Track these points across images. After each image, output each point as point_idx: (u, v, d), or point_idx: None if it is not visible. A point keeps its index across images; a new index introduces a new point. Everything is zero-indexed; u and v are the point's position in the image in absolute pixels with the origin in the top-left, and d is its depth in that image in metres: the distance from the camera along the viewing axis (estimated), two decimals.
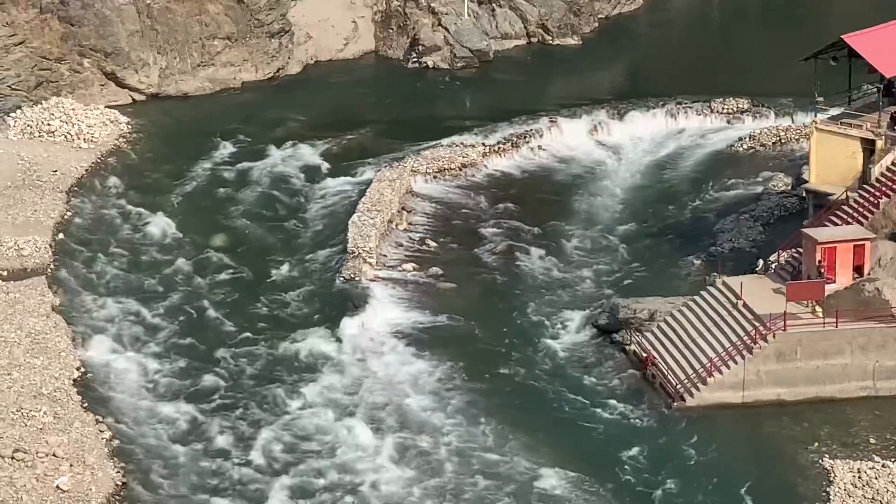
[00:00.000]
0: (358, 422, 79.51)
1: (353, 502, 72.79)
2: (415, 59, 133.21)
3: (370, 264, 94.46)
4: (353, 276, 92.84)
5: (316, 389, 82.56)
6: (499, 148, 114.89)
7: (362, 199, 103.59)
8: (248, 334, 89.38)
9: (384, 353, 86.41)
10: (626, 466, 77.00)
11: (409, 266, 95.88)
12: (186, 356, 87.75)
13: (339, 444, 77.65)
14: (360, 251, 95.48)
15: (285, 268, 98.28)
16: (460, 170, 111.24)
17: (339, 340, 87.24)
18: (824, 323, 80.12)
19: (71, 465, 76.38)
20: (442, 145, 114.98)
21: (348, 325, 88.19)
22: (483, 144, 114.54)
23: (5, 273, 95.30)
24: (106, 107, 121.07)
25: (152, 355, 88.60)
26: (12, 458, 75.96)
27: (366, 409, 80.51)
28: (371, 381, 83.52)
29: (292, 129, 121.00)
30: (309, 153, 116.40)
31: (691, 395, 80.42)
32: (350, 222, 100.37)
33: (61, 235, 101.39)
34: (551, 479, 75.68)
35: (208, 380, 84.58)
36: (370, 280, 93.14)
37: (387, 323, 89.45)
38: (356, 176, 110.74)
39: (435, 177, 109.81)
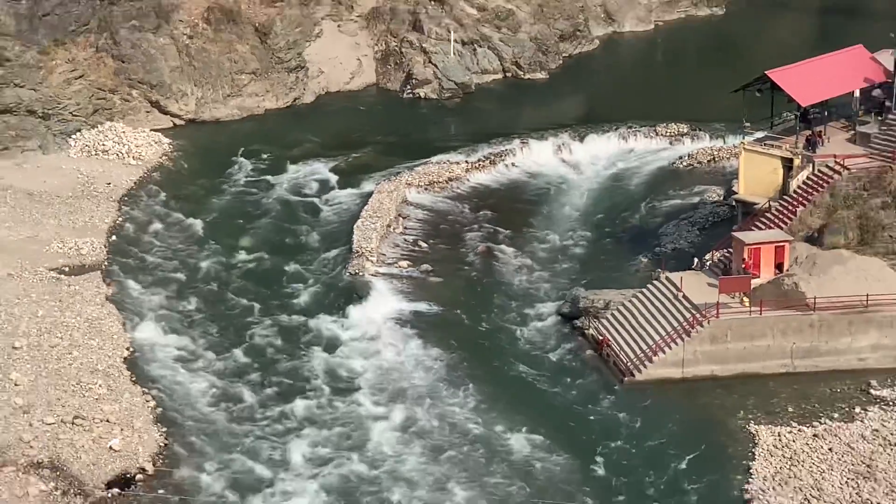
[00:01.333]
0: (363, 392, 79.85)
1: (357, 458, 73.07)
2: (409, 91, 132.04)
3: (371, 262, 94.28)
4: (357, 271, 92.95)
5: (328, 365, 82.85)
6: (479, 164, 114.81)
7: (365, 207, 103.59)
8: (270, 319, 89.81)
9: (384, 335, 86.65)
10: (583, 431, 77.44)
11: (405, 263, 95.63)
12: (219, 337, 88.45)
13: (347, 410, 77.98)
14: (364, 251, 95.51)
15: (301, 264, 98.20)
16: (447, 183, 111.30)
17: (346, 325, 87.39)
18: (750, 311, 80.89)
19: (122, 430, 77.70)
20: (432, 162, 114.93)
21: (354, 312, 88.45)
22: (466, 161, 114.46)
23: (67, 269, 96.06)
24: (151, 130, 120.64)
25: (190, 336, 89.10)
26: (73, 423, 77.22)
27: (369, 382, 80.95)
28: (373, 358, 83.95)
29: (307, 148, 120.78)
30: (321, 169, 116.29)
31: (639, 371, 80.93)
32: (355, 226, 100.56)
33: (114, 237, 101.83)
34: (521, 441, 76.88)
35: (237, 356, 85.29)
36: (372, 275, 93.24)
37: (386, 311, 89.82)
38: (360, 188, 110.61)
39: (426, 189, 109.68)
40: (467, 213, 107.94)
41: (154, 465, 74.89)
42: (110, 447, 75.85)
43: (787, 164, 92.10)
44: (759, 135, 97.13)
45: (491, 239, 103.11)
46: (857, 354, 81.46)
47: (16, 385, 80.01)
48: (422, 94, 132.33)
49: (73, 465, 73.72)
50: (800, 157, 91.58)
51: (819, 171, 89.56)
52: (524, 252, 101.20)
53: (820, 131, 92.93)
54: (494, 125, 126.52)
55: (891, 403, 77.28)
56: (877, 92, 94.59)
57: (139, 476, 74.09)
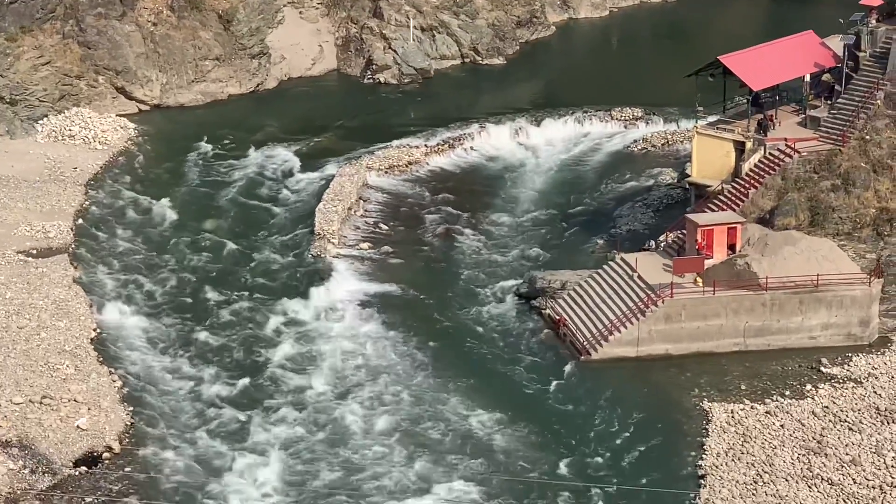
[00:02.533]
0: (325, 373, 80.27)
1: (319, 437, 73.25)
2: (369, 76, 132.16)
3: (333, 244, 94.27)
4: (319, 253, 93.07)
5: (290, 346, 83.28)
6: (438, 148, 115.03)
7: (326, 190, 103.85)
8: (234, 299, 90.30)
9: (345, 315, 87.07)
10: (540, 408, 77.88)
11: (365, 245, 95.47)
12: (183, 317, 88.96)
13: (309, 391, 78.27)
14: (325, 233, 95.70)
15: (264, 247, 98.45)
16: (407, 166, 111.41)
17: (308, 305, 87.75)
18: (704, 291, 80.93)
19: (89, 409, 77.88)
20: (392, 146, 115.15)
21: (316, 293, 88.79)
22: (426, 145, 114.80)
23: (35, 251, 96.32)
24: (117, 115, 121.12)
25: (155, 317, 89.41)
26: (41, 402, 77.30)
27: (331, 363, 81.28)
28: (335, 339, 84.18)
29: (270, 133, 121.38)
30: (284, 153, 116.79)
31: (595, 350, 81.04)
32: (317, 209, 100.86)
33: (81, 220, 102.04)
34: (480, 418, 77.09)
35: (201, 337, 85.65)
36: (333, 256, 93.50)
37: (347, 291, 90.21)
38: (322, 171, 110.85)
39: (386, 172, 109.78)
40: (427, 196, 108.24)
41: (121, 443, 74.87)
42: (77, 426, 75.76)
43: (739, 148, 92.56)
44: (712, 119, 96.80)
45: (449, 221, 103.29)
46: (808, 333, 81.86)
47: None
48: (382, 80, 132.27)
49: (41, 444, 73.72)
50: (751, 140, 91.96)
51: (770, 154, 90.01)
52: (482, 233, 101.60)
53: (771, 115, 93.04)
54: (453, 110, 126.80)
55: (841, 381, 78.02)
56: (826, 76, 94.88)
57: (106, 454, 74.17)
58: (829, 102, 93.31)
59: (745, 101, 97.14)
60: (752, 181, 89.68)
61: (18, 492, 71.38)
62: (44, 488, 71.17)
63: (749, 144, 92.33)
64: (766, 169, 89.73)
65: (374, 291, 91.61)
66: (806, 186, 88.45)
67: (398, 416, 75.81)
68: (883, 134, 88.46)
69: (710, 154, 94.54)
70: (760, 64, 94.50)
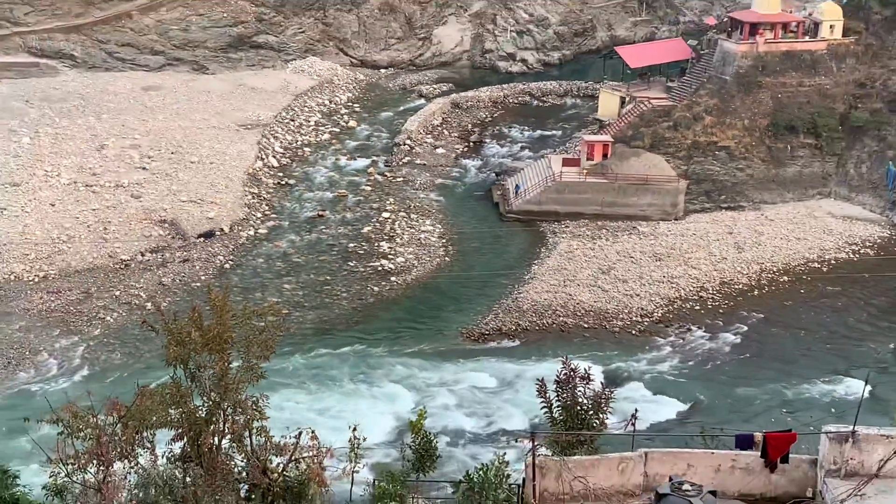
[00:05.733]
0: None
1: None
2: (481, 55, 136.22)
3: None
4: None
5: None
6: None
7: None
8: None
9: None
10: (475, 231, 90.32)
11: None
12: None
13: None
14: None
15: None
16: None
17: None
18: (583, 177, 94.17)
19: (218, 207, 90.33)
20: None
21: None
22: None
23: (246, 125, 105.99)
24: (333, 63, 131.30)
25: (288, 166, 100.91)
26: (193, 202, 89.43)
27: None
28: None
29: (417, 79, 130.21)
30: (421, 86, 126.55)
31: (515, 205, 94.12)
32: None
33: (282, 112, 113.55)
34: (438, 230, 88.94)
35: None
36: None
37: None
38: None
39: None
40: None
41: (230, 229, 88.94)
42: (207, 217, 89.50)
43: (622, 100, 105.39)
44: (613, 83, 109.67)
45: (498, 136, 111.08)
46: (639, 208, 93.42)
47: (181, 181, 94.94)
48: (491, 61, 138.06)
49: (183, 224, 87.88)
50: (628, 96, 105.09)
51: (636, 105, 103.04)
52: (507, 140, 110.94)
53: (648, 83, 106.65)
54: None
55: (643, 236, 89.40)
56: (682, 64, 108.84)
57: (218, 232, 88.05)
58: (680, 79, 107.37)
59: (637, 76, 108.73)
60: (624, 119, 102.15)
61: (163, 245, 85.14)
62: (177, 246, 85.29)
63: (626, 98, 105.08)
64: (632, 113, 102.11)
65: None
66: (652, 125, 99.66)
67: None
68: (702, 99, 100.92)
69: (607, 103, 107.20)
70: (640, 54, 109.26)
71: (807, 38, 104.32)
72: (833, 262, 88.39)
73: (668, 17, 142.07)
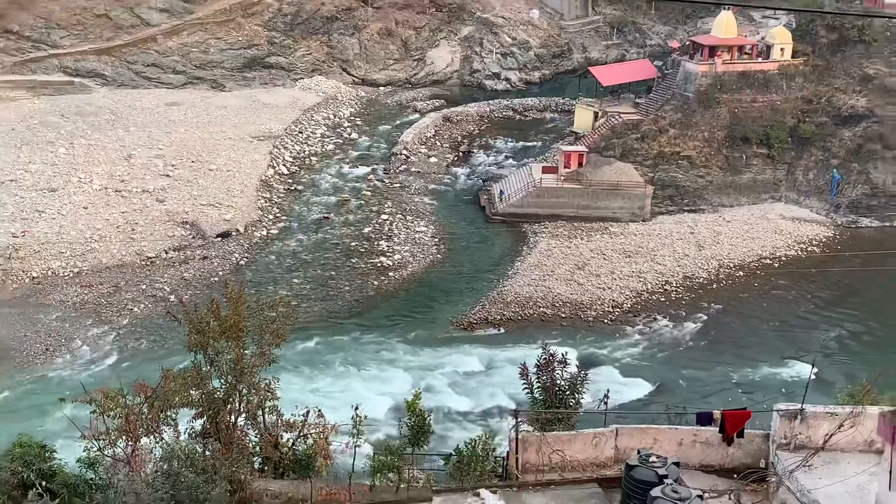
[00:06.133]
0: None
1: None
2: (469, 75, 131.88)
3: None
4: None
5: None
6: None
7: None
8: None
9: None
10: (462, 232, 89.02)
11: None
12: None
13: None
14: None
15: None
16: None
17: None
18: (560, 183, 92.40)
19: (234, 210, 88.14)
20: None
21: None
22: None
23: (258, 137, 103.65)
24: (336, 82, 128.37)
25: (297, 174, 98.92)
26: (212, 205, 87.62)
27: None
28: None
29: (413, 96, 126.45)
30: (417, 103, 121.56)
31: (500, 208, 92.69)
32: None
33: (291, 125, 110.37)
34: (429, 230, 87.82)
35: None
36: None
37: None
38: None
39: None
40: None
41: (245, 229, 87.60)
42: (224, 218, 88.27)
43: (595, 114, 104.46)
44: (587, 100, 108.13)
45: (473, 144, 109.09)
46: (611, 210, 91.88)
47: (200, 186, 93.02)
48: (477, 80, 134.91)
49: (203, 224, 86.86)
50: (601, 111, 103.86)
51: (608, 119, 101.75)
52: (492, 150, 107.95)
53: (618, 100, 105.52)
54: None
55: (614, 235, 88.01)
56: (649, 82, 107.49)
57: (234, 232, 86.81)
58: (647, 96, 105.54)
59: (609, 93, 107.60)
60: (597, 132, 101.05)
61: (184, 244, 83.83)
62: (197, 245, 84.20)
63: (599, 112, 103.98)
64: (604, 126, 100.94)
65: None
66: (622, 136, 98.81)
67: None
68: (667, 114, 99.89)
69: (582, 117, 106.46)
70: (611, 73, 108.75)
71: (760, 60, 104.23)
72: (783, 258, 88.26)
73: (636, 41, 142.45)
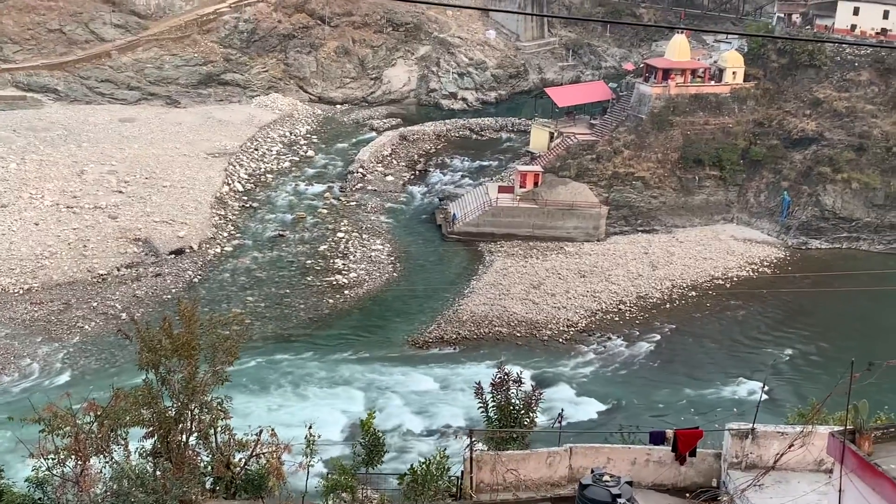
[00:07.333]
0: None
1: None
2: (427, 94, 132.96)
3: None
4: None
5: None
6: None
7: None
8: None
9: None
10: (419, 251, 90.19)
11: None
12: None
13: None
14: None
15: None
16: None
17: None
18: (515, 202, 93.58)
19: (187, 227, 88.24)
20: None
21: None
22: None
23: (213, 154, 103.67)
24: (293, 100, 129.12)
25: (251, 191, 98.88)
26: (165, 222, 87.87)
27: None
28: None
29: (369, 114, 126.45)
30: (374, 121, 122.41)
31: (456, 227, 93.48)
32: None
33: (246, 142, 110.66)
34: (387, 249, 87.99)
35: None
36: None
37: None
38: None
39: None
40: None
41: (199, 246, 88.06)
42: (178, 235, 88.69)
43: (551, 134, 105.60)
44: (543, 120, 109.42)
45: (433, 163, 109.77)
46: (565, 230, 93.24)
47: (154, 203, 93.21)
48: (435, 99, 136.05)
49: (156, 241, 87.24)
50: (556, 131, 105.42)
51: (564, 139, 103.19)
52: (449, 169, 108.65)
53: (574, 120, 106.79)
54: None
55: (569, 255, 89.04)
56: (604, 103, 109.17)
57: (188, 250, 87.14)
58: (602, 117, 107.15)
59: (564, 114, 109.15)
60: (553, 152, 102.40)
61: (137, 261, 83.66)
62: (150, 262, 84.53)
63: (554, 133, 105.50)
64: (560, 146, 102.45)
65: None
66: (577, 156, 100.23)
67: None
68: (621, 135, 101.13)
69: (538, 137, 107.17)
70: (567, 94, 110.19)
71: (712, 83, 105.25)
72: (735, 279, 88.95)
73: (591, 63, 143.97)
